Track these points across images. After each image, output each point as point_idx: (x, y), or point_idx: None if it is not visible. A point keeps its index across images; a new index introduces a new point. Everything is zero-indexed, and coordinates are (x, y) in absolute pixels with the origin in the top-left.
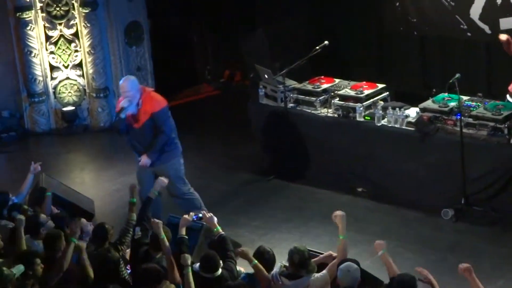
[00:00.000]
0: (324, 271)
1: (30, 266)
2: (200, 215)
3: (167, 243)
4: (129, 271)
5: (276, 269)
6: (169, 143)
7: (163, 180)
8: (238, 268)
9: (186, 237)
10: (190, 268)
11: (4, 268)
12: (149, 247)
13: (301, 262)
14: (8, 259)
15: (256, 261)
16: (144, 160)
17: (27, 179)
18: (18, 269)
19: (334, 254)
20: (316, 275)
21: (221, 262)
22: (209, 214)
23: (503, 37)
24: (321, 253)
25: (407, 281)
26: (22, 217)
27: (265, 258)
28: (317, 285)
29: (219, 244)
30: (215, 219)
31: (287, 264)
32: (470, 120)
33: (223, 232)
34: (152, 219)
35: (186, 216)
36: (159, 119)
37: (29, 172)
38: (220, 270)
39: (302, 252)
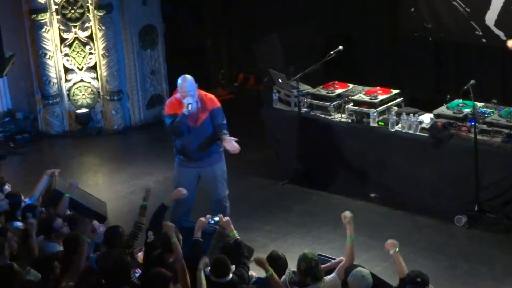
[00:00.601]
0: (333, 274)
1: (51, 271)
2: (217, 218)
3: (179, 247)
4: (137, 275)
5: (285, 276)
6: (219, 144)
7: (181, 190)
8: (250, 272)
9: (201, 240)
10: (203, 271)
11: (14, 265)
12: (162, 250)
13: (307, 270)
14: (22, 262)
15: (272, 271)
16: (231, 144)
17: (41, 181)
18: (36, 276)
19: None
20: (326, 279)
21: (233, 267)
22: (225, 218)
23: (510, 43)
24: (334, 258)
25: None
26: (33, 220)
27: (278, 263)
28: None
29: (233, 249)
30: (231, 224)
31: (295, 270)
32: (485, 126)
33: (238, 237)
34: (164, 222)
35: (202, 218)
36: (219, 115)
37: (44, 173)
38: (230, 275)
39: (309, 260)
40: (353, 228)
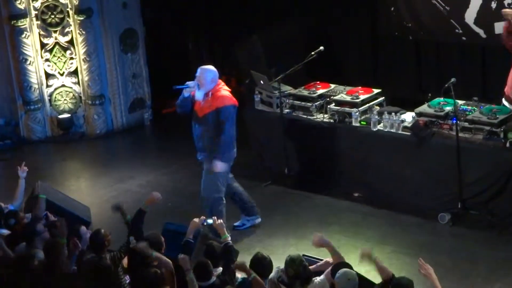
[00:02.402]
0: (322, 277)
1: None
2: (210, 221)
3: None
4: (128, 281)
5: (273, 273)
6: (221, 149)
7: (155, 194)
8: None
9: (193, 241)
10: (192, 272)
11: None
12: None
13: (296, 275)
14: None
15: (255, 274)
16: (216, 165)
17: (19, 185)
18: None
19: (331, 261)
20: (316, 280)
21: (217, 269)
22: (219, 221)
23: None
24: (319, 259)
25: (405, 284)
26: (5, 231)
27: (262, 264)
28: None
29: (223, 252)
30: (224, 226)
31: (283, 269)
32: (466, 124)
33: (230, 241)
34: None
35: (196, 219)
36: (222, 114)
37: (19, 178)
38: (213, 279)
39: (297, 266)
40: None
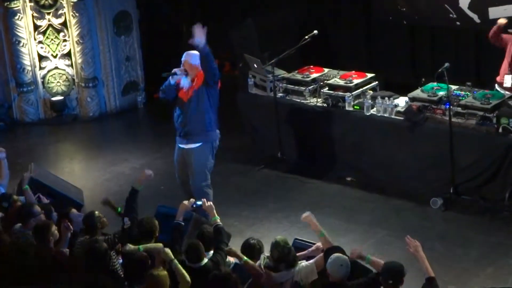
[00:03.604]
0: (311, 261)
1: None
2: (200, 203)
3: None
4: (121, 261)
5: (259, 261)
6: (206, 122)
7: (147, 172)
8: (228, 258)
9: (183, 223)
10: (175, 261)
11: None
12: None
13: (280, 258)
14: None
15: (246, 258)
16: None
17: (1, 166)
18: None
19: (322, 246)
20: (302, 264)
21: (209, 252)
22: (209, 203)
23: (502, 21)
24: (311, 243)
25: (396, 267)
26: None
27: (254, 249)
28: (302, 274)
29: (213, 234)
30: (214, 208)
31: (269, 255)
32: (459, 109)
33: (220, 223)
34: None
35: (185, 202)
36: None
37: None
38: (205, 260)
39: (282, 247)
40: (317, 223)
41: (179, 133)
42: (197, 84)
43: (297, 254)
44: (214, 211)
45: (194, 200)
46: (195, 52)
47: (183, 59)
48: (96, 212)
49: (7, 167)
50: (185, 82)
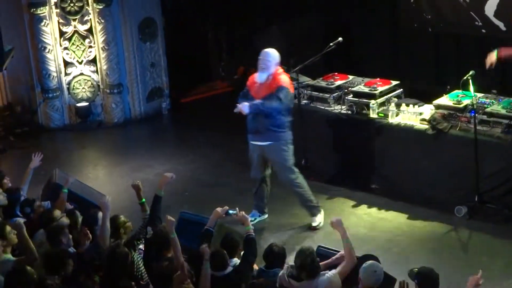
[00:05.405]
0: (334, 271)
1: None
2: (233, 211)
3: (178, 243)
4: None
5: (283, 270)
6: (279, 124)
7: (167, 175)
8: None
9: (212, 230)
10: (208, 262)
11: (28, 268)
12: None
13: (302, 266)
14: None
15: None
16: (242, 105)
17: (27, 173)
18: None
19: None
20: (327, 275)
21: (233, 260)
22: (242, 212)
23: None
24: (335, 251)
25: (430, 273)
26: (21, 219)
27: (278, 255)
28: (326, 286)
29: (244, 244)
30: (248, 218)
31: (293, 264)
32: (484, 117)
33: (253, 233)
34: (167, 216)
35: (218, 209)
36: (280, 92)
37: (28, 168)
38: (229, 269)
39: (305, 256)
40: (344, 230)
41: (252, 131)
42: (271, 87)
43: (321, 262)
44: (249, 221)
45: (227, 207)
46: (274, 51)
47: (260, 56)
48: (121, 217)
49: (30, 177)
50: (261, 77)
